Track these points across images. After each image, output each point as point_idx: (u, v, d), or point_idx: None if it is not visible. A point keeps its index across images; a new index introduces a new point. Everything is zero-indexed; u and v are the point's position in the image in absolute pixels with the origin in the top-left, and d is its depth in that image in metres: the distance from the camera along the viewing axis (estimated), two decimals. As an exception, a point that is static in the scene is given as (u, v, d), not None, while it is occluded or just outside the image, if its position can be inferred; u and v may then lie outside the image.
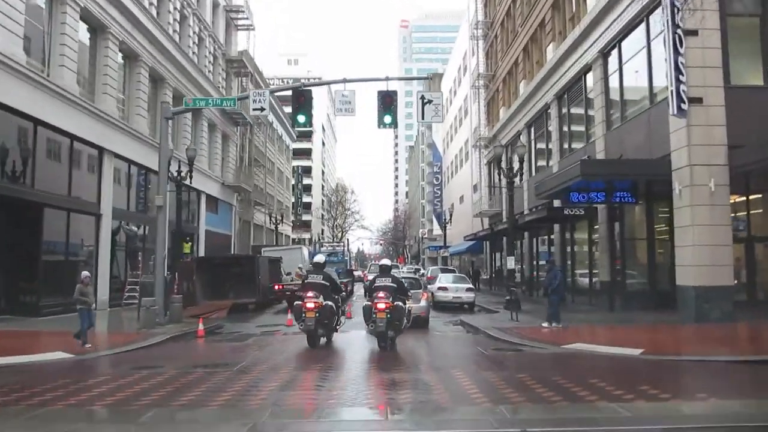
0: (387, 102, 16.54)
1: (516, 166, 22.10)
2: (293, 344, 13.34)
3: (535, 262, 35.06)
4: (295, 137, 71.25)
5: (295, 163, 76.24)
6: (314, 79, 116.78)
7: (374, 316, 12.03)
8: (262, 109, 16.77)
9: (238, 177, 39.72)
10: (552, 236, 27.36)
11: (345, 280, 27.89)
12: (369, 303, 12.39)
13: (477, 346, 12.91)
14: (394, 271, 14.32)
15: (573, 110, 24.97)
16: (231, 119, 39.68)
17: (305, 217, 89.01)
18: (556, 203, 22.89)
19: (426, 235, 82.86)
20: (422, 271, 38.75)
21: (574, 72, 23.61)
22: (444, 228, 41.92)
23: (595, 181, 17.46)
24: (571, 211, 21.13)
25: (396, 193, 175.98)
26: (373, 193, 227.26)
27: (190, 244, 30.44)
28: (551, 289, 15.70)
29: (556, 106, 26.50)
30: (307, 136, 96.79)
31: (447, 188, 65.99)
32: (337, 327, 13.63)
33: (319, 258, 14.41)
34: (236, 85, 41.44)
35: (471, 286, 23.99)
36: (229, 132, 39.90)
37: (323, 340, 12.93)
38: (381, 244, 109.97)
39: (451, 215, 42.34)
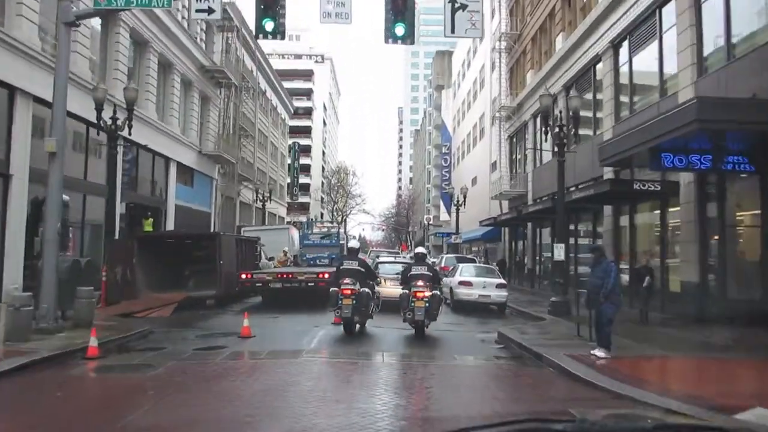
0: (398, 4, 10.93)
1: (546, 131, 16.53)
2: (236, 388, 7.80)
3: (538, 256, 29.82)
4: (292, 111, 65.51)
5: (294, 141, 70.53)
6: (316, 57, 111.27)
7: (413, 304, 12.11)
8: (210, 11, 11.08)
9: (219, 145, 34.13)
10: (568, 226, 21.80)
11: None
12: (407, 291, 12.42)
13: (560, 401, 7.41)
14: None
15: (638, 59, 19.30)
16: (212, 79, 34.05)
17: (303, 200, 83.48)
18: (610, 178, 17.42)
19: (431, 222, 77.25)
20: (434, 260, 33.36)
21: (644, 6, 17.95)
22: (456, 211, 36.34)
23: (701, 139, 11.87)
24: (643, 185, 15.57)
25: (399, 179, 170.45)
26: (376, 179, 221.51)
27: (152, 220, 24.95)
28: (604, 294, 9.55)
29: (611, 56, 20.85)
30: (306, 112, 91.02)
31: (457, 170, 60.37)
32: (372, 314, 13.24)
33: (354, 244, 15.41)
34: (220, 41, 35.72)
35: (503, 280, 18.42)
36: (210, 94, 34.27)
37: (357, 327, 12.69)
38: (383, 230, 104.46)
39: (464, 197, 36.71)
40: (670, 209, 16.54)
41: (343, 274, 12.69)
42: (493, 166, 40.61)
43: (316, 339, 11.56)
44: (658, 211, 17.21)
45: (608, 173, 19.98)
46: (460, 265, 20.14)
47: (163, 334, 11.79)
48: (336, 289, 12.41)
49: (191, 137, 31.33)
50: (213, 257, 16.83)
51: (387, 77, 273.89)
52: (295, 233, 29.59)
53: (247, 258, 19.83)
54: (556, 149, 16.64)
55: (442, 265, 24.56)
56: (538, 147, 30.38)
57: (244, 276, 17.00)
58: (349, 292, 12.15)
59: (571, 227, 24.69)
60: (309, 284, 16.69)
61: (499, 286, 17.74)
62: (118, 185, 18.64)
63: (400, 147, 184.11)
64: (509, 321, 16.13)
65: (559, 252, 16.01)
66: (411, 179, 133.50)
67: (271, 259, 25.83)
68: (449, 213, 64.69)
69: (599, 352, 9.45)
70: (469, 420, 4.95)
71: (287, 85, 70.76)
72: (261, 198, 37.18)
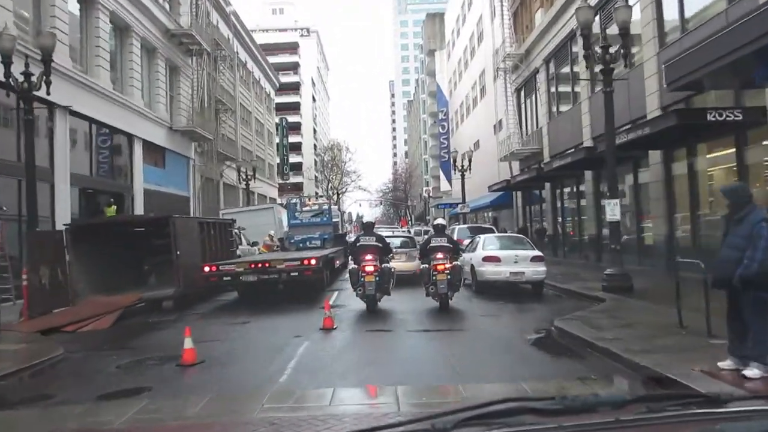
0: None
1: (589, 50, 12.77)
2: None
3: (561, 220, 26.29)
4: (277, 85, 61.42)
5: (281, 117, 66.43)
6: (302, 30, 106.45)
7: (434, 278, 11.76)
8: None
9: (192, 120, 30.29)
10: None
11: (333, 250, 18.95)
12: (427, 265, 12.17)
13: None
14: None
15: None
16: (180, 46, 30.11)
17: (295, 179, 79.70)
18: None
19: (431, 193, 73.51)
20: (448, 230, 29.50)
21: None
22: (462, 177, 32.63)
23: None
24: (720, 115, 11.88)
25: (395, 154, 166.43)
26: (371, 155, 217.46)
27: (114, 207, 21.27)
28: (752, 270, 5.61)
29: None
30: (293, 88, 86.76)
31: (456, 136, 56.53)
32: (390, 290, 12.45)
33: (369, 219, 15.49)
34: (188, 2, 31.65)
35: (538, 252, 14.63)
36: (179, 62, 30.36)
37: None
38: (380, 204, 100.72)
39: (470, 161, 32.99)
40: (751, 146, 12.91)
41: (362, 250, 12.21)
42: (498, 125, 36.86)
43: (294, 361, 7.79)
44: (733, 150, 13.54)
45: (654, 111, 16.31)
46: (482, 237, 16.21)
47: (77, 363, 8.20)
48: (356, 266, 12.11)
49: (159, 112, 27.52)
50: (160, 248, 13.25)
51: (376, 50, 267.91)
52: (283, 213, 25.90)
53: (219, 245, 16.18)
54: (586, 80, 12.85)
55: (455, 238, 20.90)
56: (552, 97, 26.65)
57: (207, 269, 13.34)
58: (372, 269, 11.73)
59: (559, 192, 21.06)
60: (292, 274, 13.21)
61: (534, 259, 14.11)
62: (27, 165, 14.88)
63: (393, 121, 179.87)
64: (555, 304, 12.57)
65: (614, 210, 12.40)
66: (406, 153, 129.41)
67: (254, 244, 22.19)
68: (450, 182, 61.00)
69: (755, 370, 5.76)
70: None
71: (272, 59, 66.57)
72: (245, 177, 33.39)
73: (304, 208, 23.37)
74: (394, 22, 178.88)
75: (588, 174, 21.75)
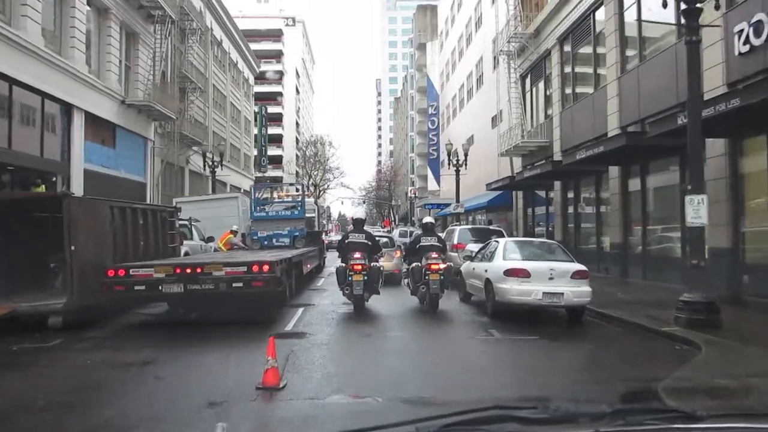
0: None
1: None
2: None
3: (571, 225, 22.90)
4: (257, 71, 57.35)
5: (261, 106, 62.29)
6: (288, 20, 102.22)
7: (427, 278, 11.55)
8: None
9: (152, 95, 26.26)
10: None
11: (303, 251, 15.28)
12: (419, 264, 11.90)
13: None
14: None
15: None
16: (140, 10, 26.13)
17: (275, 173, 75.61)
18: None
19: (416, 193, 69.92)
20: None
21: None
22: (457, 173, 29.02)
23: None
24: None
25: (379, 153, 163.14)
26: (355, 153, 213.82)
27: (43, 187, 17.28)
28: None
29: None
30: (276, 77, 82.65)
31: (446, 132, 52.93)
32: (379, 289, 12.08)
33: (360, 215, 15.93)
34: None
35: (581, 266, 10.86)
36: (138, 29, 26.35)
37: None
38: (362, 203, 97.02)
39: (466, 156, 29.36)
40: None
41: (351, 248, 11.94)
42: (498, 117, 33.32)
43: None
44: None
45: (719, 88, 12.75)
46: (501, 241, 12.20)
47: None
48: (343, 265, 11.85)
49: (109, 82, 23.51)
50: (46, 241, 9.38)
51: (363, 47, 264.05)
52: (243, 203, 22.05)
53: (151, 240, 12.21)
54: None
55: (455, 242, 17.20)
56: (568, 79, 23.14)
57: (112, 273, 9.45)
58: (359, 267, 11.43)
59: (636, 181, 17.49)
60: (234, 285, 9.38)
61: (576, 275, 10.50)
62: None
63: (379, 120, 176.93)
64: (613, 344, 8.89)
65: (698, 210, 8.73)
66: (391, 152, 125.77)
67: (209, 240, 18.31)
68: (438, 181, 57.52)
69: None
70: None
71: (254, 46, 62.46)
72: (210, 163, 29.37)
73: (273, 197, 19.47)
74: (383, 18, 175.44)
75: (614, 170, 18.20)
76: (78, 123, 21.03)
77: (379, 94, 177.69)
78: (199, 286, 9.20)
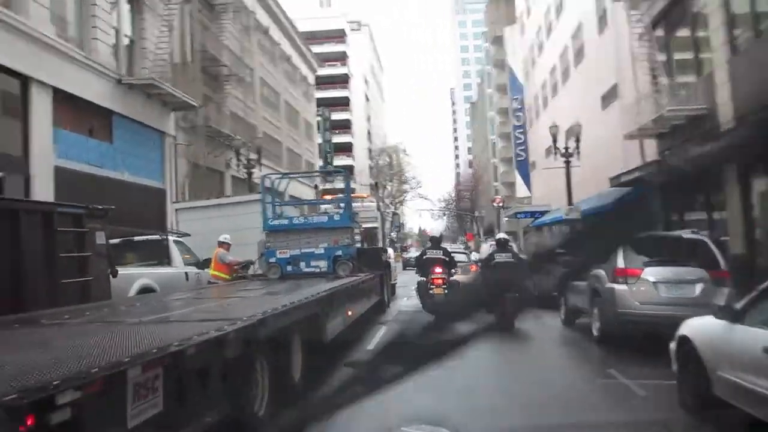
0: None
1: None
2: None
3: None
4: (316, 67, 51.58)
5: (322, 108, 56.47)
6: (353, 24, 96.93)
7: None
8: None
9: (165, 74, 20.40)
10: None
11: (340, 284, 8.72)
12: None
13: None
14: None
15: None
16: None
17: (342, 185, 69.71)
18: None
19: (503, 203, 61.73)
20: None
21: None
22: (567, 165, 21.58)
23: None
24: None
25: (457, 165, 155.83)
26: (430, 165, 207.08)
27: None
28: None
29: None
30: (341, 80, 77.14)
31: (535, 128, 45.23)
32: None
33: (436, 232, 13.73)
34: None
35: None
36: (148, -5, 20.71)
37: None
38: (442, 216, 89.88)
39: (577, 140, 21.84)
40: None
41: (430, 263, 12.41)
42: (610, 94, 25.67)
43: None
44: None
45: None
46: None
47: None
48: (423, 279, 12.21)
49: (97, 54, 17.78)
50: None
51: (433, 56, 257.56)
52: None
53: (35, 269, 5.88)
54: None
55: (619, 264, 9.65)
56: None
57: None
58: (440, 281, 11.94)
59: None
60: None
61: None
62: None
63: (455, 131, 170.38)
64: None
65: None
66: (470, 162, 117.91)
67: (204, 265, 11.81)
68: (528, 186, 49.71)
69: None
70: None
71: (316, 49, 57.32)
72: (245, 162, 23.16)
73: (300, 196, 12.95)
74: (452, 24, 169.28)
75: None
76: (41, 102, 15.24)
77: (454, 104, 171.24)
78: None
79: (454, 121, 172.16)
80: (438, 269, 12.10)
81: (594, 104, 28.02)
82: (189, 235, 12.99)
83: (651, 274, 9.35)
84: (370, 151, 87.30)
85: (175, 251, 11.20)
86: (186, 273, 11.32)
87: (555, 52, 36.70)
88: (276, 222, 11.78)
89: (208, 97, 26.18)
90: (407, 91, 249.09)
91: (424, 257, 12.83)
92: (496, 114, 71.58)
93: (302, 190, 32.94)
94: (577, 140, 21.78)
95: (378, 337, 10.84)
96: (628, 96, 21.82)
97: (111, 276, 7.63)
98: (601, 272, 10.07)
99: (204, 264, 11.83)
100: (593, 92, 28.27)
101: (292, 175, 16.65)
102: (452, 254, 13.39)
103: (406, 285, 25.30)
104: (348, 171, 13.93)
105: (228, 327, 4.07)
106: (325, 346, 6.96)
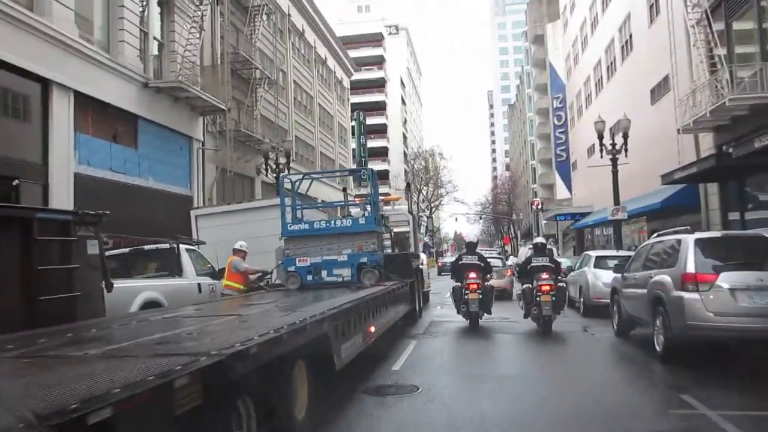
0: None
1: None
2: None
3: None
4: (352, 71, 50.86)
5: (357, 111, 55.71)
6: (390, 28, 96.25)
7: (538, 299, 11.73)
8: None
9: (191, 78, 19.75)
10: None
11: (391, 286, 7.76)
12: (530, 286, 12.11)
13: None
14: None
15: None
16: (175, -32, 19.98)
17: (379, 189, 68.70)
18: None
19: (541, 205, 59.94)
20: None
21: None
22: (613, 162, 20.12)
23: None
24: None
25: (494, 169, 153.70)
26: (467, 169, 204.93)
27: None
28: None
29: None
30: (378, 85, 76.38)
31: (577, 127, 43.55)
32: (491, 309, 12.70)
33: (472, 237, 15.38)
34: None
35: None
36: (176, -4, 20.16)
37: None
38: (479, 220, 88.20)
39: (625, 138, 20.39)
40: None
41: (465, 268, 12.54)
42: (661, 86, 24.14)
43: None
44: None
45: None
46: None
47: None
48: (459, 284, 12.41)
49: (123, 57, 17.22)
50: None
51: (472, 59, 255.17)
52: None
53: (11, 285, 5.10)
54: None
55: (688, 268, 7.86)
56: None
57: None
58: (475, 286, 12.11)
59: None
60: None
61: None
62: None
63: (492, 134, 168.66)
64: None
65: None
66: (507, 165, 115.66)
67: (219, 274, 10.92)
68: (569, 188, 47.94)
69: None
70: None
71: (353, 54, 56.65)
72: (273, 164, 22.32)
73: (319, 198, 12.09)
74: (492, 26, 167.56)
75: None
76: (61, 107, 14.67)
77: (491, 107, 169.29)
78: None
79: (492, 124, 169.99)
80: (472, 274, 12.23)
81: (642, 98, 26.43)
82: (203, 243, 12.16)
83: (727, 279, 8.03)
84: (405, 155, 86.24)
85: (186, 260, 10.32)
86: (199, 284, 10.42)
87: (600, 46, 35.08)
88: (295, 227, 10.81)
89: (238, 101, 25.56)
90: (445, 94, 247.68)
91: (460, 263, 12.93)
92: (536, 114, 69.75)
93: (329, 193, 32.05)
94: (625, 136, 20.29)
95: (406, 354, 9.72)
96: (681, 88, 20.27)
97: (106, 290, 6.76)
98: (666, 278, 8.83)
99: (220, 274, 10.94)
100: (641, 86, 26.70)
101: (314, 175, 15.69)
102: (488, 260, 13.42)
103: (440, 292, 24.15)
104: (373, 170, 12.56)
105: (179, 367, 3.00)
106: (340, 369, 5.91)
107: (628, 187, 24.12)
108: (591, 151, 38.20)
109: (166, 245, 10.26)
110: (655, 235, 10.27)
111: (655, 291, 8.93)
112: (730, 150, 15.81)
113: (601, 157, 21.23)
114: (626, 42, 29.62)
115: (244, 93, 25.79)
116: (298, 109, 34.93)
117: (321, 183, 32.15)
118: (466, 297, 12.10)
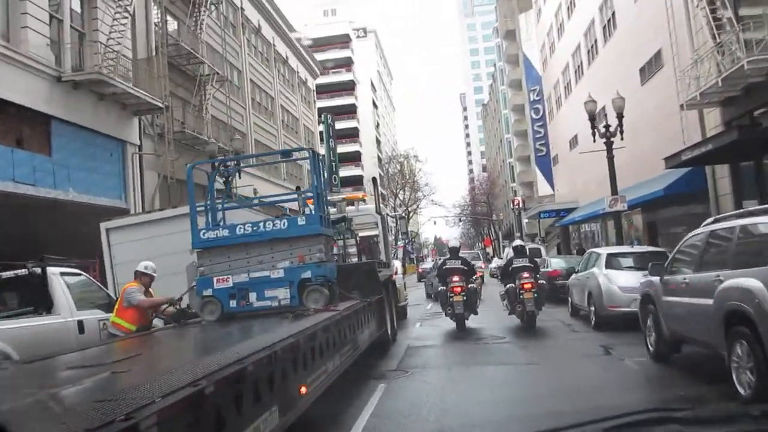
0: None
1: None
2: None
3: None
4: (318, 72, 48.14)
5: (325, 114, 53.02)
6: (358, 31, 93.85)
7: (521, 296, 12.33)
8: None
9: (114, 70, 16.85)
10: None
11: (349, 308, 5.30)
12: (512, 285, 12.74)
13: None
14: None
15: None
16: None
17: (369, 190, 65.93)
18: None
19: (521, 204, 57.62)
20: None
21: None
22: (608, 147, 17.68)
23: None
24: None
25: (471, 171, 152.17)
26: (443, 173, 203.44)
27: None
28: None
29: None
30: (347, 87, 73.79)
31: (557, 119, 41.34)
32: (477, 309, 13.24)
33: (455, 243, 15.56)
34: None
35: None
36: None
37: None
38: (458, 223, 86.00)
39: (620, 118, 17.94)
40: None
41: (449, 272, 12.93)
42: (653, 63, 21.85)
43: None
44: None
45: None
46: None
47: None
48: (444, 288, 12.81)
49: (26, 45, 14.33)
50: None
51: (443, 61, 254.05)
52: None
53: None
54: None
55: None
56: None
57: None
58: (459, 289, 12.44)
59: None
60: None
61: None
62: None
63: (467, 136, 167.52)
64: None
65: None
66: (484, 166, 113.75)
67: (112, 306, 8.07)
68: (551, 184, 45.71)
69: None
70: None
71: (320, 57, 54.13)
72: (223, 172, 19.59)
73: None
74: (461, 26, 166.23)
75: None
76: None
77: (465, 109, 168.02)
78: None
79: (466, 126, 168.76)
80: (456, 278, 12.62)
81: (630, 79, 24.05)
82: (84, 266, 9.29)
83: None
84: (379, 159, 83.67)
85: (60, 290, 7.45)
86: (79, 322, 7.55)
87: (578, 30, 32.82)
88: (211, 234, 8.00)
89: (184, 101, 22.76)
90: (417, 98, 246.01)
91: (444, 267, 13.39)
92: (511, 111, 67.72)
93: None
94: (620, 116, 17.87)
95: (368, 411, 6.55)
96: (682, 59, 17.88)
97: None
98: (754, 283, 5.58)
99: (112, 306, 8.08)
100: (628, 66, 24.38)
101: (237, 162, 13.00)
102: (471, 264, 13.91)
103: (420, 303, 21.44)
104: (313, 152, 9.63)
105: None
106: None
107: (618, 177, 21.65)
108: (573, 142, 35.97)
109: (24, 270, 7.39)
110: (710, 220, 7.44)
111: (730, 302, 5.97)
112: (755, 122, 13.34)
113: (594, 141, 18.75)
114: (608, 21, 27.34)
115: (190, 92, 22.96)
116: (257, 111, 32.14)
117: (269, 183, 29.19)
118: (451, 300, 12.44)
